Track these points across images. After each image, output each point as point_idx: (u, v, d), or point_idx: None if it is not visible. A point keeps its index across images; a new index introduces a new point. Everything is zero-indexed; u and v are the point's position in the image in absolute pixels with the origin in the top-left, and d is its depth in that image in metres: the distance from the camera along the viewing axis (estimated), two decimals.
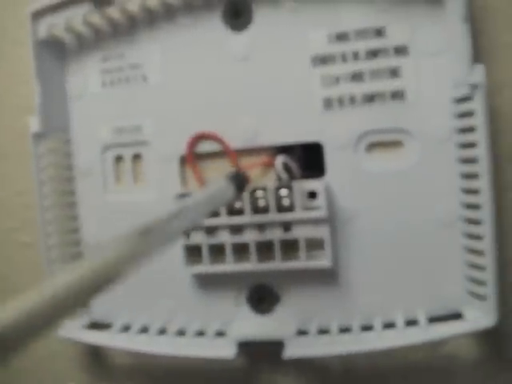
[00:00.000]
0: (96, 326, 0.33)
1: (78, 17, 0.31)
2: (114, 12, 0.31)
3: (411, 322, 0.29)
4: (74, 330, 0.32)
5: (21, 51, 0.34)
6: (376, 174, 0.29)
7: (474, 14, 0.28)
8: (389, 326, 0.29)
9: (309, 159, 0.30)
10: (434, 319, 0.29)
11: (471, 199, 0.27)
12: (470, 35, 0.27)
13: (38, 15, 0.31)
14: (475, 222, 0.27)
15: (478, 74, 0.26)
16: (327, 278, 0.30)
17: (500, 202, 0.28)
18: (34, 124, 0.31)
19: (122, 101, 0.32)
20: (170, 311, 0.32)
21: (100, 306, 0.33)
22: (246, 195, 0.29)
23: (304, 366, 0.32)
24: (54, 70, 0.32)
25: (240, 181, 0.26)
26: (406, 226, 0.29)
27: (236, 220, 0.29)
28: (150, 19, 0.31)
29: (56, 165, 0.32)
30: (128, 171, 0.32)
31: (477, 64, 0.26)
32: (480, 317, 0.27)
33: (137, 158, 0.32)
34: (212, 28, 0.30)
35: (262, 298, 0.31)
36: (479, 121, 0.26)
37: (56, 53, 0.33)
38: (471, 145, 0.27)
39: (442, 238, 0.28)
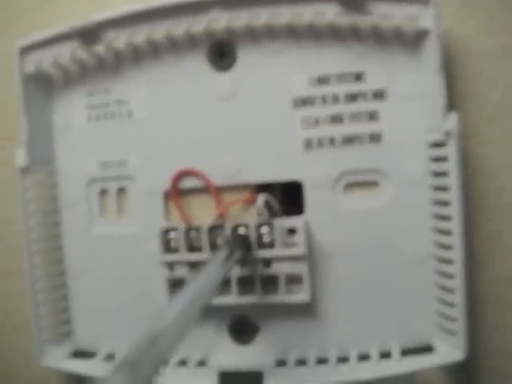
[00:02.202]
0: (80, 354, 0.33)
1: (65, 53, 0.31)
2: (100, 49, 0.31)
3: (385, 354, 0.30)
4: (57, 358, 0.33)
5: (7, 83, 0.34)
6: (353, 212, 0.30)
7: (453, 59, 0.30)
8: (364, 357, 0.30)
9: (288, 196, 0.31)
10: (406, 351, 0.30)
11: (443, 239, 0.28)
12: (445, 83, 0.28)
13: (26, 50, 0.32)
14: (446, 260, 0.28)
15: (452, 121, 0.27)
16: (305, 311, 0.31)
17: (470, 241, 0.30)
18: (20, 158, 0.32)
19: (108, 136, 0.33)
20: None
21: (84, 334, 0.34)
22: (227, 231, 0.30)
23: None
24: (41, 104, 0.33)
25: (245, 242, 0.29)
26: (380, 262, 0.30)
27: None
28: (136, 56, 0.32)
29: (41, 197, 0.33)
30: (112, 204, 0.33)
31: (451, 111, 0.27)
32: (450, 351, 0.29)
33: (121, 191, 0.33)
34: (196, 67, 0.31)
35: (243, 328, 0.32)
36: (452, 166, 0.28)
37: (43, 87, 0.33)
38: (444, 188, 0.28)
39: (415, 274, 0.30)
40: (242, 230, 0.30)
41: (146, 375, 0.18)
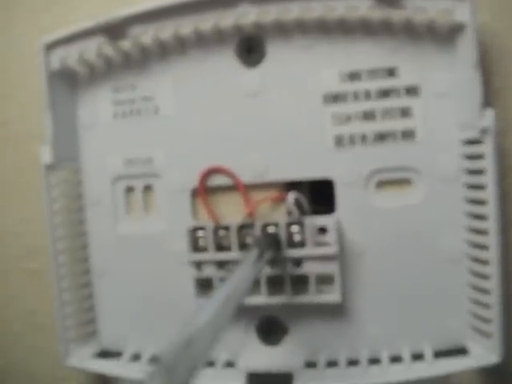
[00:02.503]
0: (105, 354, 0.33)
1: (90, 49, 0.31)
2: (126, 44, 0.31)
3: (417, 356, 0.29)
4: (82, 358, 0.33)
5: (32, 80, 0.34)
6: (385, 210, 0.29)
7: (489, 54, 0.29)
8: (395, 359, 0.29)
9: (316, 194, 0.31)
10: (439, 353, 0.29)
11: (478, 239, 0.28)
12: (481, 79, 0.27)
13: (51, 47, 0.31)
14: (482, 261, 0.28)
15: (489, 118, 0.27)
16: (335, 311, 0.30)
17: (505, 239, 0.29)
18: (45, 155, 0.31)
19: (134, 132, 0.32)
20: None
21: (109, 334, 0.33)
22: (257, 230, 0.29)
23: None
24: (66, 101, 0.33)
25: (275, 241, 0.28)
26: (412, 262, 0.29)
27: None
28: (163, 52, 0.31)
29: (66, 195, 0.32)
30: (138, 202, 0.32)
31: (487, 108, 0.27)
32: (484, 353, 0.28)
33: (148, 189, 0.32)
34: (224, 62, 0.31)
35: (271, 329, 0.31)
36: (488, 164, 0.27)
37: (68, 83, 0.33)
38: (479, 186, 0.27)
39: (448, 274, 0.29)
40: (271, 229, 0.29)
41: (183, 379, 0.17)
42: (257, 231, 0.29)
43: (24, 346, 0.38)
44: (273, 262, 0.29)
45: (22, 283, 0.37)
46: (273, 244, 0.28)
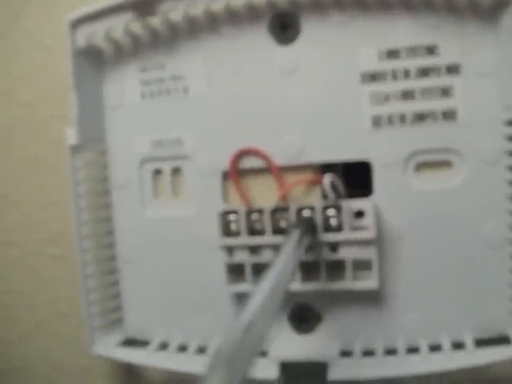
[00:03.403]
0: (132, 342, 0.32)
1: (118, 26, 0.30)
2: (155, 21, 0.30)
3: (457, 345, 0.28)
4: (108, 346, 0.32)
5: (56, 60, 0.33)
6: (424, 193, 0.28)
7: None
8: (434, 348, 0.28)
9: (350, 176, 0.30)
10: (480, 342, 0.28)
11: None
12: None
13: (77, 24, 0.30)
14: None
15: None
16: (372, 298, 0.29)
17: None
18: (70, 136, 0.30)
19: (162, 113, 0.31)
20: (209, 330, 0.31)
21: (135, 322, 0.32)
22: (292, 214, 0.28)
23: None
24: (92, 80, 0.32)
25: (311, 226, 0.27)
26: (452, 247, 0.28)
27: (280, 239, 0.28)
28: (193, 29, 0.30)
29: (92, 178, 0.31)
30: (167, 185, 0.31)
31: None
32: None
33: (176, 171, 0.31)
34: (257, 40, 0.29)
35: (304, 317, 0.30)
36: None
37: (94, 62, 0.32)
38: None
39: (489, 259, 0.28)
40: (306, 213, 0.28)
41: (243, 369, 0.16)
42: (292, 215, 0.28)
43: (48, 333, 0.37)
44: (308, 248, 0.28)
45: (46, 270, 0.36)
46: (309, 228, 0.27)
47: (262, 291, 0.20)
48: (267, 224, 0.29)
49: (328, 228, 0.28)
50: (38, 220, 0.36)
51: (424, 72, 0.28)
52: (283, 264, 0.22)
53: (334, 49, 0.29)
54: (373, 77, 0.28)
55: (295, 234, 0.25)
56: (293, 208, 0.28)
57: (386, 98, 0.28)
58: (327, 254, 0.28)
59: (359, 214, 0.28)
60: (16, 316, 0.37)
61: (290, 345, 0.30)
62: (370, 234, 0.28)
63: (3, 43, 0.36)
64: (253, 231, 0.29)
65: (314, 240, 0.28)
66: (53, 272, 0.36)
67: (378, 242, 0.28)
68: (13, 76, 0.36)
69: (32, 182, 0.36)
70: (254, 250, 0.29)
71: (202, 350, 0.31)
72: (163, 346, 0.31)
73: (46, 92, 0.35)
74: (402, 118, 0.28)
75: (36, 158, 0.36)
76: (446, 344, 0.28)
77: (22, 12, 0.35)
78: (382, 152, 0.28)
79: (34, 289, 0.37)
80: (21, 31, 0.36)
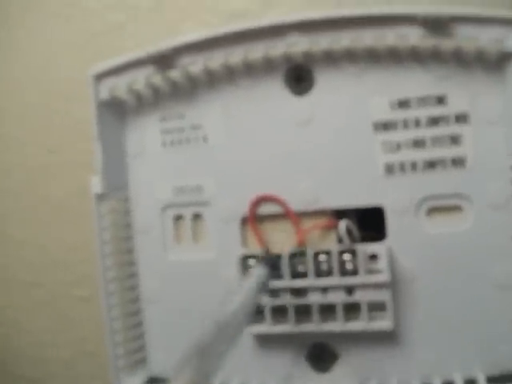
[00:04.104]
0: (156, 381, 0.33)
1: (139, 79, 0.31)
2: (175, 74, 0.31)
3: (470, 382, 0.29)
4: None
5: (80, 108, 0.34)
6: (436, 236, 0.29)
7: None
8: None
9: (363, 220, 0.31)
10: (491, 379, 0.29)
11: None
12: None
13: (100, 77, 0.31)
14: None
15: None
16: (387, 337, 0.30)
17: None
18: (95, 185, 0.32)
19: (183, 161, 0.32)
20: (229, 370, 0.32)
21: (159, 361, 0.33)
22: (309, 259, 0.29)
23: None
24: (114, 130, 0.33)
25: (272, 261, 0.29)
26: (463, 288, 0.29)
27: (299, 283, 0.30)
28: (211, 81, 0.31)
29: (116, 224, 0.33)
30: (188, 230, 0.33)
31: None
32: None
33: (197, 217, 0.32)
34: (273, 91, 0.31)
35: (321, 356, 0.31)
36: None
37: (116, 113, 0.33)
38: None
39: (499, 299, 0.29)
40: (322, 257, 0.30)
41: (213, 361, 0.20)
42: (309, 259, 0.29)
43: (73, 373, 0.38)
44: (324, 290, 0.29)
45: (72, 310, 0.37)
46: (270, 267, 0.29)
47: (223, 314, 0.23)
48: (285, 268, 0.30)
49: (344, 272, 0.29)
50: (65, 262, 0.37)
51: (434, 121, 0.29)
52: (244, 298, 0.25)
53: (348, 99, 0.30)
54: (385, 126, 0.30)
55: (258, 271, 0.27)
56: (310, 253, 0.29)
57: (398, 147, 0.30)
58: (343, 297, 0.29)
59: (373, 257, 0.29)
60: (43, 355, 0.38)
61: (308, 383, 0.31)
62: (384, 277, 0.29)
63: (30, 93, 0.37)
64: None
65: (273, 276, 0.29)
66: (79, 313, 0.37)
67: (392, 284, 0.29)
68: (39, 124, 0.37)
69: (58, 225, 0.37)
70: (274, 293, 0.30)
71: None
72: None
73: (70, 139, 0.36)
74: (414, 166, 0.29)
75: (62, 202, 0.37)
76: (459, 381, 0.29)
77: (48, 63, 0.36)
78: (395, 198, 0.30)
79: (60, 329, 0.38)
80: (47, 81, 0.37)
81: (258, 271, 0.28)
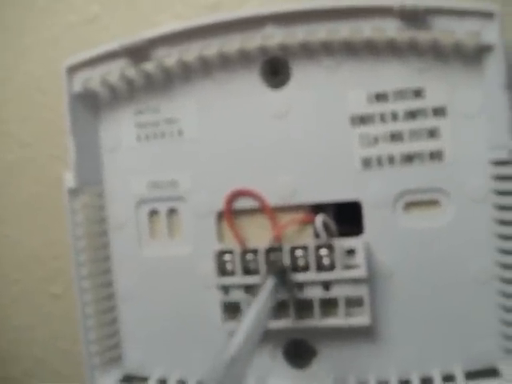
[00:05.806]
0: (131, 379, 0.33)
1: (113, 71, 0.31)
2: (150, 67, 0.30)
3: (448, 378, 0.29)
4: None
5: (54, 101, 0.33)
6: (413, 231, 0.29)
7: None
8: (426, 381, 0.29)
9: (340, 214, 0.31)
10: (470, 375, 0.29)
11: (508, 260, 0.28)
12: (509, 99, 0.27)
13: (73, 69, 0.31)
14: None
15: None
16: (365, 333, 0.30)
17: None
18: (68, 180, 0.31)
19: (158, 155, 0.32)
20: (207, 366, 0.32)
21: (134, 359, 0.33)
22: (285, 254, 0.29)
23: None
24: (88, 123, 0.32)
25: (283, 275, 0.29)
26: (442, 283, 0.29)
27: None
28: (186, 74, 0.31)
29: (90, 219, 0.32)
30: (163, 226, 0.32)
31: None
32: None
33: (172, 212, 0.32)
34: (249, 84, 0.30)
35: (299, 352, 0.31)
36: None
37: (90, 106, 0.32)
38: (509, 207, 0.27)
39: (478, 295, 0.29)
40: (299, 252, 0.29)
41: None
42: (285, 255, 0.29)
43: (46, 371, 0.37)
44: (300, 286, 0.29)
45: (46, 307, 0.37)
46: (282, 275, 0.29)
47: (243, 328, 0.22)
48: (261, 264, 0.29)
49: (320, 267, 0.29)
50: (38, 258, 0.37)
51: (411, 114, 0.29)
52: (260, 306, 0.24)
53: (324, 92, 0.30)
54: (362, 119, 0.29)
55: (270, 281, 0.27)
56: (286, 248, 0.29)
57: (375, 140, 0.29)
58: (320, 293, 0.29)
59: (350, 253, 0.29)
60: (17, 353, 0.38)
61: (286, 379, 0.31)
62: (361, 272, 0.29)
63: (4, 85, 0.36)
64: (247, 270, 0.30)
65: (284, 283, 0.29)
66: (52, 310, 0.37)
67: (370, 279, 0.29)
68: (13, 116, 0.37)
69: (32, 219, 0.37)
70: (249, 288, 0.30)
71: None
72: (162, 382, 0.32)
73: (45, 132, 0.36)
74: (391, 160, 0.29)
75: (36, 196, 0.36)
76: (437, 377, 0.29)
77: (22, 56, 0.36)
78: (372, 192, 0.29)
79: (33, 326, 0.37)
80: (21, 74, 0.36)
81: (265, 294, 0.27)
